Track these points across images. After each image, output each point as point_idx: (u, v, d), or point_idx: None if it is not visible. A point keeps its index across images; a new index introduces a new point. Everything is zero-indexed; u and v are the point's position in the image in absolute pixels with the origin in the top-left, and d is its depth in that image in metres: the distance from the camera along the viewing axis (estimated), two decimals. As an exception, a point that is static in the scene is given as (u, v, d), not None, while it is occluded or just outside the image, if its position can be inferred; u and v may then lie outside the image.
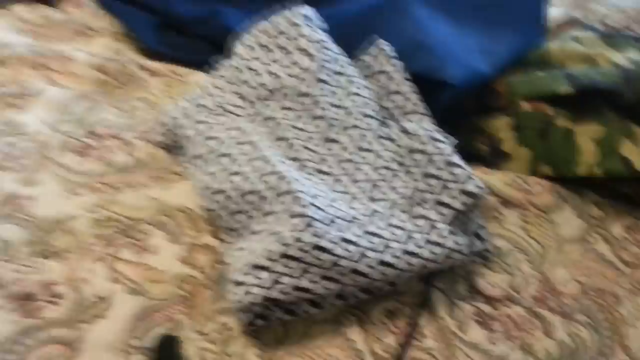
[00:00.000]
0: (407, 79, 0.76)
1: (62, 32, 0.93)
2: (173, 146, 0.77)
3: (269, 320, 0.60)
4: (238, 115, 0.77)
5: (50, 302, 0.60)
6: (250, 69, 0.78)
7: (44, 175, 0.72)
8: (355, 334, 0.62)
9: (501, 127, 0.79)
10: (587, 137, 0.76)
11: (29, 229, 0.66)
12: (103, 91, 0.84)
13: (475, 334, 0.63)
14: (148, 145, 0.77)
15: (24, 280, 0.62)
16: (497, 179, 0.76)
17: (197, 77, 0.86)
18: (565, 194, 0.76)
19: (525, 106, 0.79)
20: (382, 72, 0.78)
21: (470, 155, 0.77)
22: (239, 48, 0.80)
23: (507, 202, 0.74)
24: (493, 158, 0.79)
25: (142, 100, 0.83)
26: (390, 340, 0.62)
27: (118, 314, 0.60)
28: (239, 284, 0.59)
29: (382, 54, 0.78)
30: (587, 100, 0.78)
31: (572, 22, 1.02)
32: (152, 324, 0.60)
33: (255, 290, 0.58)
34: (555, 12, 1.01)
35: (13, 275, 0.62)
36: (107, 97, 0.83)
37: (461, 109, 0.83)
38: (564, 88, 0.78)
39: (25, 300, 0.60)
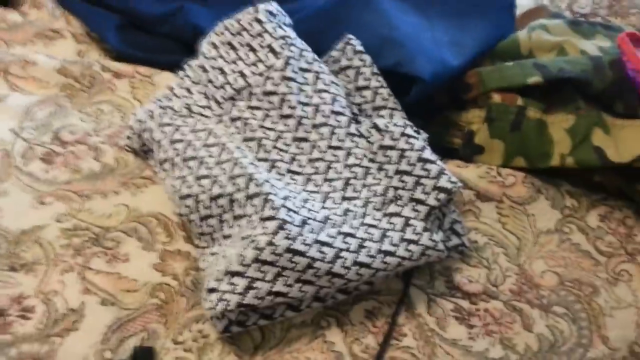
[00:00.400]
0: (376, 74, 0.75)
1: (22, 34, 0.90)
2: (141, 150, 0.75)
3: (246, 326, 0.59)
4: (205, 117, 0.75)
5: (21, 316, 0.59)
6: (215, 68, 0.76)
7: (10, 185, 0.69)
8: (334, 335, 0.61)
9: (474, 119, 0.79)
10: (559, 127, 0.76)
11: (-5, 242, 0.64)
12: (67, 95, 0.81)
13: (455, 330, 0.63)
14: (116, 150, 0.75)
15: (-7, 295, 0.60)
16: (471, 172, 0.76)
17: (163, 77, 0.84)
18: (539, 184, 0.76)
19: (497, 98, 0.78)
20: (350, 67, 0.77)
21: (444, 149, 0.77)
22: (203, 47, 0.79)
23: (482, 195, 0.74)
24: (467, 151, 0.79)
25: (108, 103, 0.81)
26: (370, 340, 0.61)
27: (91, 326, 0.59)
28: (213, 290, 0.58)
29: (350, 48, 0.77)
30: (557, 89, 0.78)
31: (540, 10, 1.02)
32: (126, 334, 0.59)
33: (229, 296, 0.57)
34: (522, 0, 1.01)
35: (-19, 290, 0.60)
36: (71, 101, 0.80)
37: (433, 102, 0.83)
38: (534, 78, 0.78)
39: (-6, 316, 0.59)
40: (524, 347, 0.62)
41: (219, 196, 0.64)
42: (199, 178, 0.67)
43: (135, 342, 0.58)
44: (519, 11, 0.95)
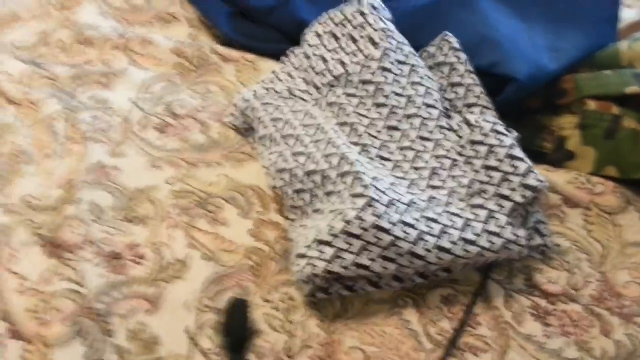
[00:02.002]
0: (471, 72, 0.77)
1: (143, 16, 0.98)
2: (242, 128, 0.81)
3: (329, 294, 0.63)
4: (305, 100, 0.80)
5: (134, 261, 0.66)
6: (317, 55, 0.81)
7: (128, 148, 0.77)
8: (410, 315, 0.64)
9: (567, 125, 0.79)
10: (654, 138, 0.75)
11: (115, 196, 0.72)
12: (180, 73, 0.88)
13: (531, 326, 0.64)
14: (221, 125, 0.81)
15: (112, 241, 0.68)
16: (559, 176, 0.76)
17: (267, 64, 0.89)
18: (629, 195, 0.75)
19: (592, 105, 0.78)
20: (446, 63, 0.79)
21: (534, 153, 0.78)
22: (307, 36, 0.83)
23: (569, 201, 0.74)
24: (557, 156, 0.79)
25: (215, 83, 0.87)
26: (445, 324, 0.63)
27: (193, 276, 0.65)
28: (302, 256, 0.62)
29: (447, 45, 0.79)
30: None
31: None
32: (222, 287, 0.65)
33: (317, 262, 0.61)
34: (628, 12, 0.99)
35: (102, 235, 0.68)
36: (183, 79, 0.87)
37: (524, 105, 0.83)
38: (632, 88, 0.77)
39: (113, 258, 0.66)
40: (601, 352, 0.62)
41: (313, 172, 0.69)
42: (295, 154, 0.71)
43: (230, 295, 0.64)
44: (624, 23, 0.93)
